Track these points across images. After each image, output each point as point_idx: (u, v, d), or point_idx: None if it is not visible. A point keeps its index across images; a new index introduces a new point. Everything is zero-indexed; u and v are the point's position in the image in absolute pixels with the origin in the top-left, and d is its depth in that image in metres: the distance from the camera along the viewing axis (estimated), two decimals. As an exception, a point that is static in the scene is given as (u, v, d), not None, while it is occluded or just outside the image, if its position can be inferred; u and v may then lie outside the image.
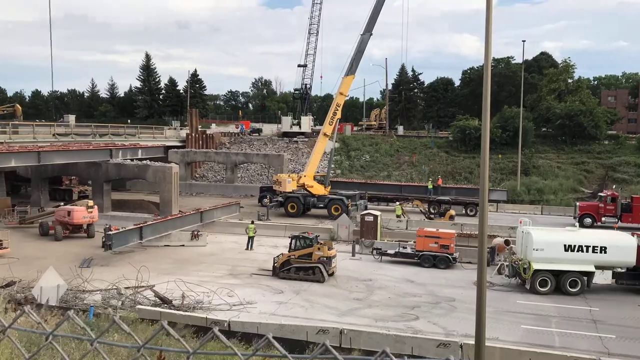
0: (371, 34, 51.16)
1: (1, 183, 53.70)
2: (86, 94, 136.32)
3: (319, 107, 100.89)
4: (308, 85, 79.64)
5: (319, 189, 51.54)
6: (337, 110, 51.93)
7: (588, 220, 46.84)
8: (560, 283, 27.81)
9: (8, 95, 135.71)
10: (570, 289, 27.72)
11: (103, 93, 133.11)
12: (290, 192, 50.48)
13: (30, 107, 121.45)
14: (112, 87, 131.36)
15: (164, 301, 24.05)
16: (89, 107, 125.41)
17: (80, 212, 38.92)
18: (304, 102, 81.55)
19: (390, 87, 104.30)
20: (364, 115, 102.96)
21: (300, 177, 51.91)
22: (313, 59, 76.08)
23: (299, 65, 77.20)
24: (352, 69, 51.81)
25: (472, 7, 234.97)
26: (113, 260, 32.38)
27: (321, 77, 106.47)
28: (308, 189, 51.16)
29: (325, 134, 52.25)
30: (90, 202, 40.98)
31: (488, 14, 15.80)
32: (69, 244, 37.18)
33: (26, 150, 44.37)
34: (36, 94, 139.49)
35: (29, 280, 25.60)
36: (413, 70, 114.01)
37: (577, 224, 36.57)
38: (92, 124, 70.29)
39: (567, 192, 62.19)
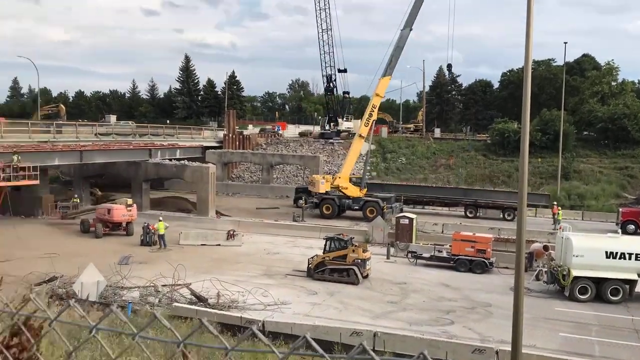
0: (411, 29, 49.69)
1: (45, 181, 55.19)
2: (127, 95, 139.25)
3: (355, 108, 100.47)
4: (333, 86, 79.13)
5: (353, 191, 51.07)
6: (373, 111, 51.42)
7: (631, 227, 45.54)
8: (600, 291, 27.09)
9: (53, 96, 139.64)
10: (612, 297, 26.99)
11: (143, 94, 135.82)
12: (324, 193, 50.44)
13: (74, 107, 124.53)
14: (152, 88, 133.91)
15: (200, 299, 24.38)
16: (129, 108, 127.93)
17: (120, 211, 39.79)
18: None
19: (427, 89, 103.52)
20: (400, 118, 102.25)
21: (335, 178, 51.75)
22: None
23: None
24: (388, 69, 50.85)
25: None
26: (151, 258, 32.99)
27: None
28: (342, 190, 50.91)
29: (360, 135, 51.81)
30: (130, 201, 41.88)
31: (528, 15, 15.57)
32: (109, 241, 38.03)
33: (69, 149, 45.60)
34: (80, 94, 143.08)
35: (70, 275, 26.27)
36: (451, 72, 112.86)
37: (619, 230, 35.61)
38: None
39: (609, 197, 60.53)
